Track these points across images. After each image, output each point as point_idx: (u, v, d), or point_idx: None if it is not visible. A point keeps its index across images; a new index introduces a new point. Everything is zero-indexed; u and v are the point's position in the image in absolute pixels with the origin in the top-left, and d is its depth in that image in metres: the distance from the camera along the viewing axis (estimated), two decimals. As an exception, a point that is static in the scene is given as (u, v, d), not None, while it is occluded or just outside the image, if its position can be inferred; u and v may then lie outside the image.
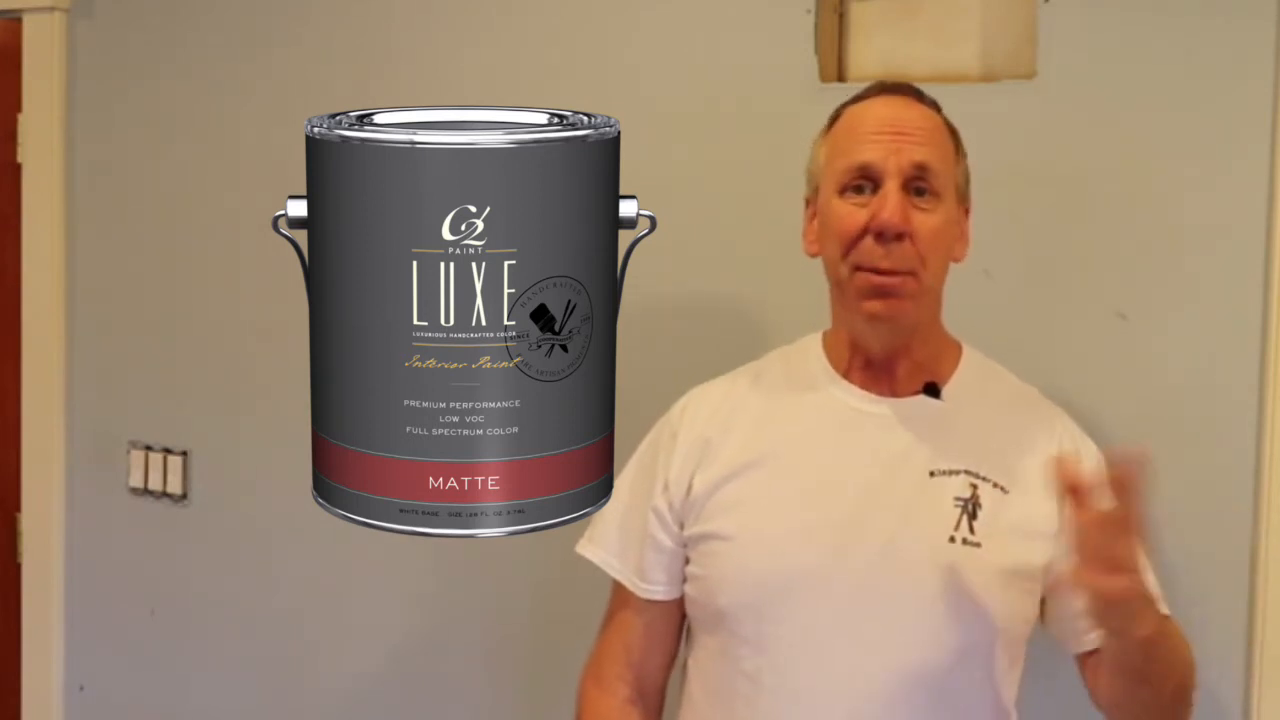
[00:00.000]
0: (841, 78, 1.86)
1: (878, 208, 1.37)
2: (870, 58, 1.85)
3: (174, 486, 2.44)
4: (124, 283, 2.49)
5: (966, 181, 1.46)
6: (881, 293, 1.38)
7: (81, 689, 2.58)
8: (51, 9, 2.49)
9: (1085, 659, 1.45)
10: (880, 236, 1.36)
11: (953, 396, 1.45)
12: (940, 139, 1.42)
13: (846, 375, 1.47)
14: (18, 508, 2.63)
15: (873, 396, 1.45)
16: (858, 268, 1.39)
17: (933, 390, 1.44)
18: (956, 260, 1.45)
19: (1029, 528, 1.39)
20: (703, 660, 1.47)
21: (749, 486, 1.43)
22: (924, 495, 1.39)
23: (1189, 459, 1.65)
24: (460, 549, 2.15)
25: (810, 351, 1.51)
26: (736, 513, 1.43)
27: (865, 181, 1.39)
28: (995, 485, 1.40)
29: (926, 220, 1.38)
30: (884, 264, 1.37)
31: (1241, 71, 1.61)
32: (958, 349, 1.50)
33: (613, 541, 1.52)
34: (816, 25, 1.83)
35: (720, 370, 1.59)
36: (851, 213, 1.39)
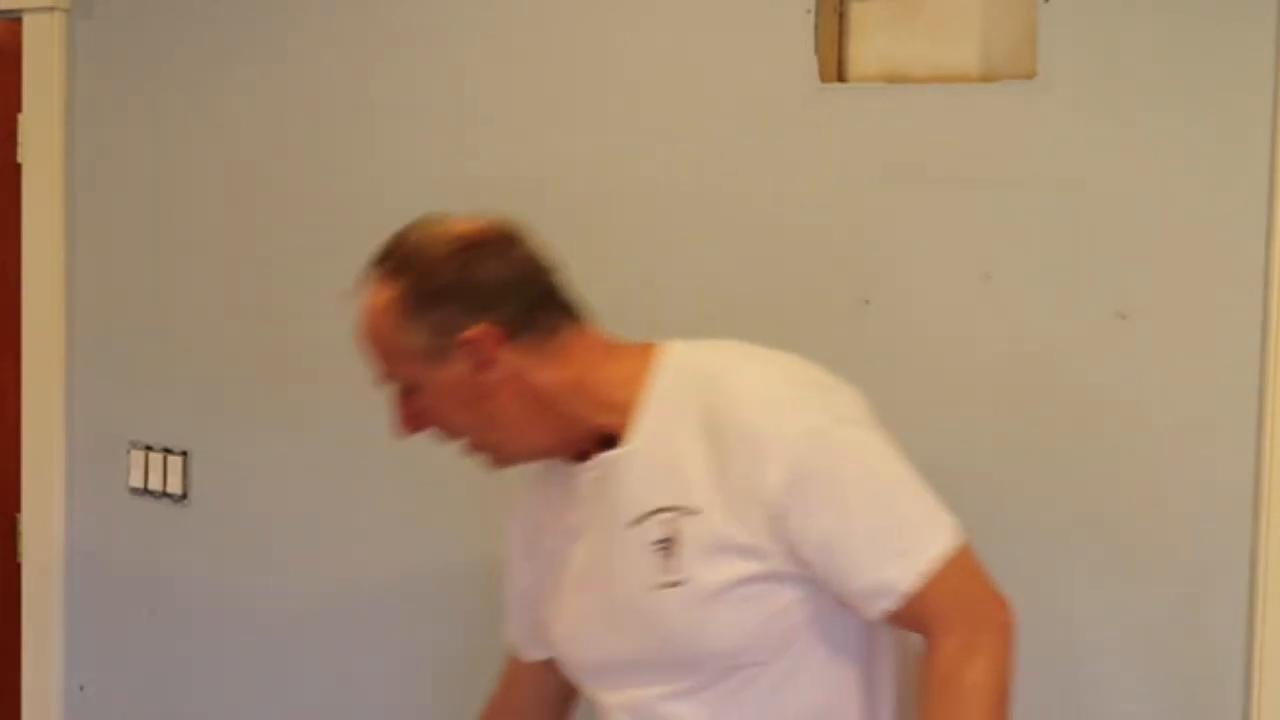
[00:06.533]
0: (841, 78, 1.85)
1: None
2: (870, 58, 1.84)
3: (174, 486, 2.44)
4: (124, 283, 2.49)
5: (446, 328, 1.37)
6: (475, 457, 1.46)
7: (81, 689, 2.58)
8: (51, 9, 2.49)
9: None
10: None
11: (636, 437, 1.39)
12: (381, 327, 1.39)
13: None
14: (18, 508, 2.63)
15: (575, 468, 1.45)
16: None
17: (608, 443, 1.41)
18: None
19: (729, 541, 1.34)
20: None
21: (536, 582, 1.55)
22: (624, 551, 1.39)
23: (1189, 459, 1.65)
24: (460, 550, 2.15)
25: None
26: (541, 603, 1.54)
27: None
28: (686, 511, 1.35)
29: (429, 407, 1.41)
30: (448, 445, 1.44)
31: (1242, 71, 1.61)
32: (637, 380, 1.40)
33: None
34: (816, 25, 1.83)
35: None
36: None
